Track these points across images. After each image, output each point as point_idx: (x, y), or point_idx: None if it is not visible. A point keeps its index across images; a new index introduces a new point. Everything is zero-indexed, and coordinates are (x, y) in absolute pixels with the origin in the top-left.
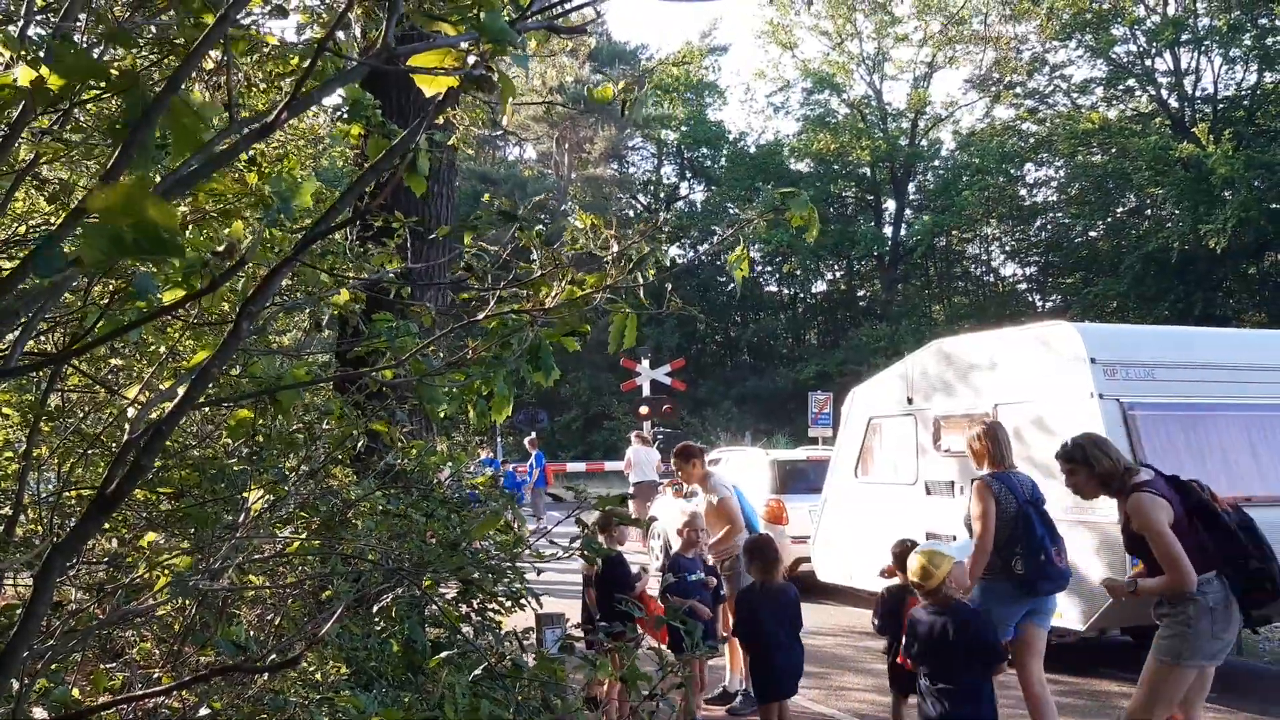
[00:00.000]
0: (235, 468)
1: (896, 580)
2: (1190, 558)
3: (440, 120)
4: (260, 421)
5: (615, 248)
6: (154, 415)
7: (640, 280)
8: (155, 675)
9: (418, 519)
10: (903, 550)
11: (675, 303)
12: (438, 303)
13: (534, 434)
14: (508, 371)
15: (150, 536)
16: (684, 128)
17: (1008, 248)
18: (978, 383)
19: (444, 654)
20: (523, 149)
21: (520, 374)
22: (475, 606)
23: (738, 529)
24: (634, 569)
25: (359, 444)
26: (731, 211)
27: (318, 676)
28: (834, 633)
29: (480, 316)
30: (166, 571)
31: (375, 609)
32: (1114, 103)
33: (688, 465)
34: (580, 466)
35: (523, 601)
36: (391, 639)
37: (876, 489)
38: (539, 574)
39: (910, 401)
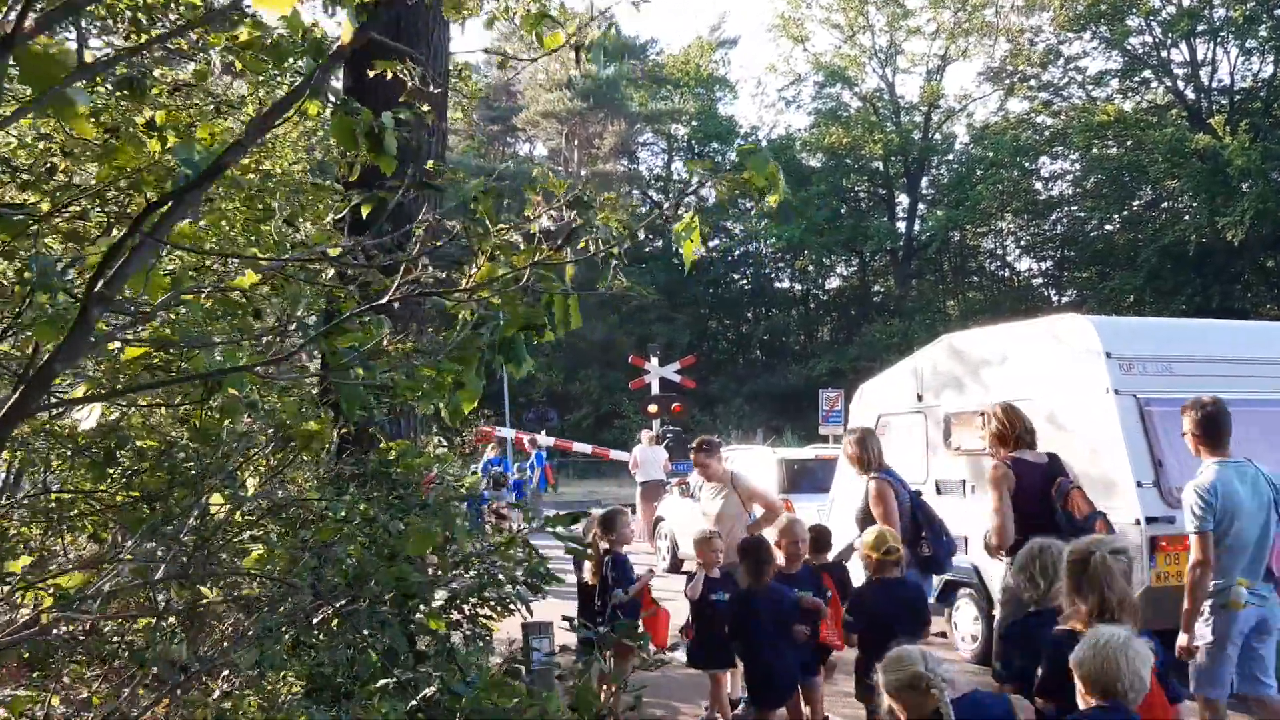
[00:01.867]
0: (188, 469)
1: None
2: None
3: (426, 108)
4: (228, 421)
5: (546, 222)
6: None
7: (569, 256)
8: (84, 695)
9: (388, 522)
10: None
11: (620, 281)
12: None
13: (535, 434)
14: (478, 362)
15: (23, 560)
16: (694, 122)
17: (1023, 242)
18: (988, 378)
19: (381, 682)
20: (533, 145)
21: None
22: (467, 613)
23: (775, 510)
24: (640, 569)
25: (327, 446)
26: (744, 208)
27: (283, 693)
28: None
29: (386, 299)
30: (49, 594)
31: (318, 621)
32: (1129, 95)
33: (710, 459)
34: (586, 449)
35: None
36: (369, 649)
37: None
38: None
39: (920, 398)
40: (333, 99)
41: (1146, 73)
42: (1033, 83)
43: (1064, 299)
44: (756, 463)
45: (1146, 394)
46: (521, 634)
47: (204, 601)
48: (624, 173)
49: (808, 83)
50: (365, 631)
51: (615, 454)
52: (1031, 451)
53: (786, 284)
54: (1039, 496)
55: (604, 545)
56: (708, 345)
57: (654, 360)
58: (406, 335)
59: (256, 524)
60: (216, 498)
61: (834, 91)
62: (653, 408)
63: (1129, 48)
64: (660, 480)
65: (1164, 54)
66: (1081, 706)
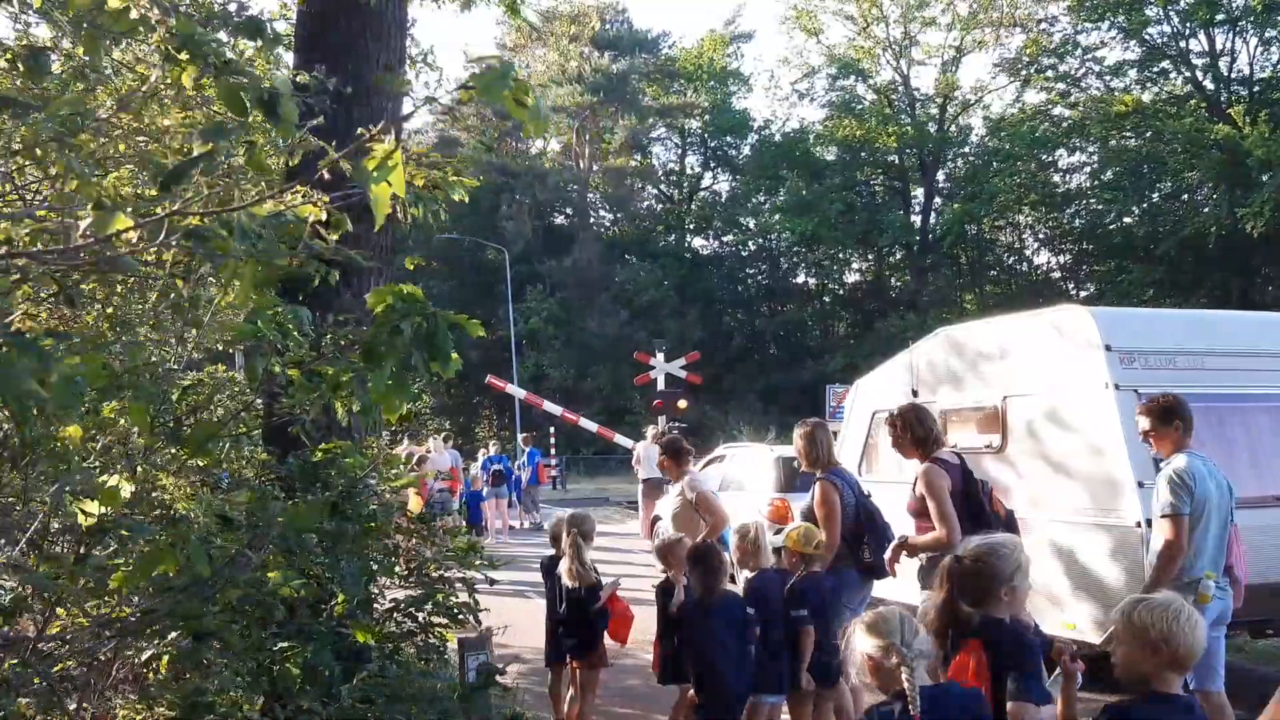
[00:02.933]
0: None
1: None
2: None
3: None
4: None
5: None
6: None
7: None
8: None
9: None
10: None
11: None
12: (389, 276)
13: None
14: (399, 362)
15: None
16: (707, 116)
17: (1040, 235)
18: (986, 373)
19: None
20: (546, 141)
21: (413, 363)
22: (421, 622)
23: (719, 521)
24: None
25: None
26: (757, 201)
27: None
28: None
29: None
30: None
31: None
32: (1148, 85)
33: (670, 459)
34: (592, 426)
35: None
36: (289, 663)
37: (881, 488)
38: (491, 584)
39: (915, 394)
40: (213, 60)
41: (1165, 63)
42: (1050, 73)
43: (1083, 293)
44: (754, 461)
45: (1149, 389)
46: (458, 649)
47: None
48: (636, 168)
49: (821, 75)
50: (281, 645)
51: (620, 438)
52: (945, 450)
53: (801, 279)
54: (962, 497)
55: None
56: (721, 341)
57: (659, 356)
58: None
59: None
60: (90, 505)
61: (848, 84)
62: (658, 404)
63: (1147, 37)
64: (662, 478)
65: (1183, 44)
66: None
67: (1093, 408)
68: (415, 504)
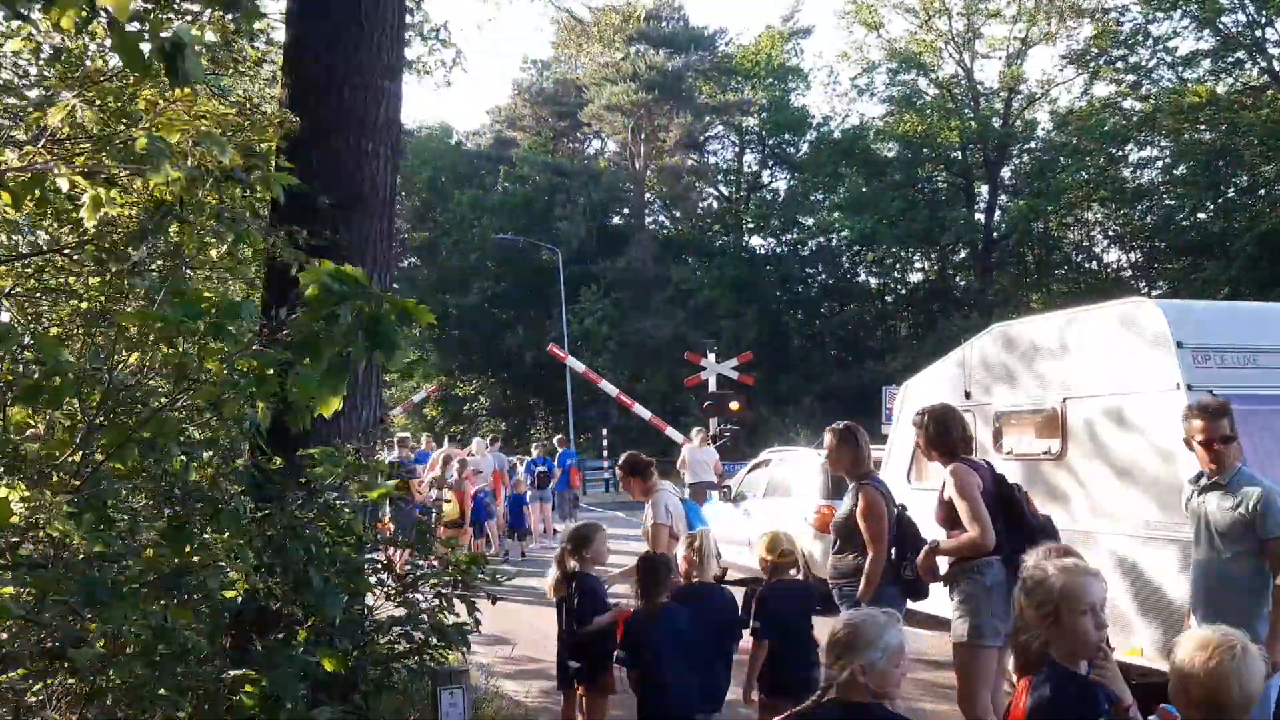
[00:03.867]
0: None
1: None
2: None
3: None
4: None
5: None
6: None
7: None
8: None
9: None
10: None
11: None
12: (381, 281)
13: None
14: (335, 354)
15: None
16: (764, 113)
17: (1110, 232)
18: (1045, 372)
19: None
20: (604, 141)
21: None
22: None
23: (659, 541)
24: (613, 599)
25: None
26: (816, 199)
27: None
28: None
29: None
30: None
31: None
32: (1222, 76)
33: (632, 479)
34: (646, 414)
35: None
36: (246, 689)
37: (932, 497)
38: (494, 601)
39: (968, 395)
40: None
41: (1240, 53)
42: (1119, 65)
43: (1154, 291)
44: (801, 466)
45: (1225, 390)
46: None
47: None
48: (692, 166)
49: (881, 70)
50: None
51: (672, 431)
52: (970, 458)
53: (862, 278)
54: (995, 499)
55: (572, 565)
56: (779, 342)
57: (710, 356)
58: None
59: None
60: None
61: (909, 78)
62: (710, 406)
63: (1221, 27)
64: (710, 483)
65: (1258, 33)
66: None
67: (1162, 411)
68: (453, 509)
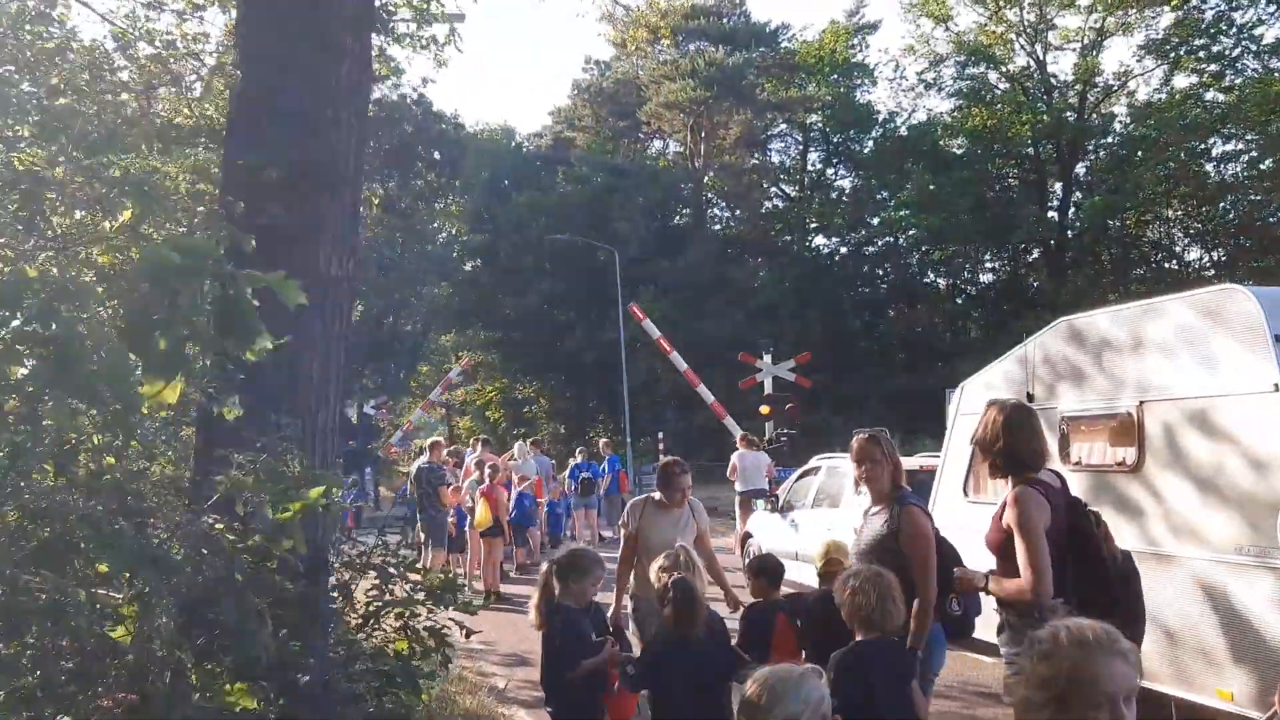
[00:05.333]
0: None
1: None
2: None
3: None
4: None
5: None
6: None
7: None
8: None
9: None
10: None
11: None
12: (343, 267)
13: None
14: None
15: None
16: (828, 110)
17: (1191, 230)
18: (1117, 370)
19: None
20: (665, 141)
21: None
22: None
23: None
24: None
25: None
26: (881, 197)
27: None
28: (944, 680)
29: None
30: None
31: None
32: None
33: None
34: (709, 397)
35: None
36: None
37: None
38: (466, 636)
39: (1030, 398)
40: None
41: None
42: (1201, 55)
43: None
44: (850, 474)
45: None
46: None
47: None
48: (754, 165)
49: (949, 63)
50: None
51: (730, 422)
52: (1040, 477)
53: (930, 278)
54: (1066, 532)
55: (556, 590)
56: (843, 343)
57: (766, 358)
58: None
59: None
60: None
61: (978, 72)
62: (765, 409)
63: None
64: (762, 490)
65: None
66: None
67: (1255, 415)
68: (483, 516)
